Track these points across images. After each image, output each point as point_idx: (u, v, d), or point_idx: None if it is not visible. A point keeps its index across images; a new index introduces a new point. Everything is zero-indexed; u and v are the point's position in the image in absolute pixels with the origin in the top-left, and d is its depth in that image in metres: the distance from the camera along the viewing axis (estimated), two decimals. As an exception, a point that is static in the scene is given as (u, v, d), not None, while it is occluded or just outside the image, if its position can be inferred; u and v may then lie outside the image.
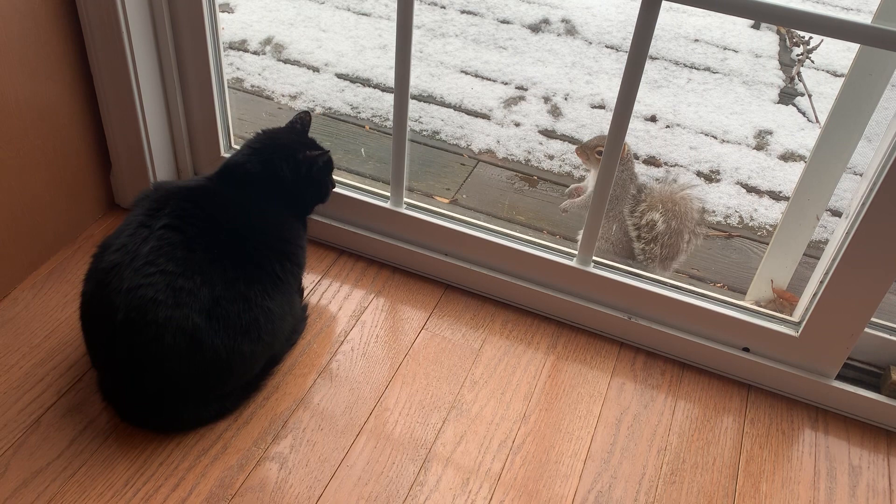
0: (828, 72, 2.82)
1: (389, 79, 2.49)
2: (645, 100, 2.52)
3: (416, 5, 2.96)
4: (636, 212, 1.77)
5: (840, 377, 1.49)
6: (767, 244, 1.69)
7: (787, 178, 2.24)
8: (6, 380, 1.42)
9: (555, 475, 1.36)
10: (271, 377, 1.46)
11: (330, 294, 1.65)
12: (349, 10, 2.89)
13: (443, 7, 2.97)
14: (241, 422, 1.39)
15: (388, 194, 1.66)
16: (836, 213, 2.12)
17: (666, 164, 2.27)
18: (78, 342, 1.47)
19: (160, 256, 1.24)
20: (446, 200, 2.06)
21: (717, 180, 2.22)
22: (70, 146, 1.63)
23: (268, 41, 2.65)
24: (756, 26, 3.03)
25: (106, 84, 1.60)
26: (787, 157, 2.34)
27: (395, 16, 1.41)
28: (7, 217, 1.53)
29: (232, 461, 1.33)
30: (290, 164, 1.41)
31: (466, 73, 2.60)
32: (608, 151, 1.41)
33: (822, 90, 2.69)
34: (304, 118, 1.50)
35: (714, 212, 2.10)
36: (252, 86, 2.43)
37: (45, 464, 1.30)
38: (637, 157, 2.24)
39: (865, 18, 1.18)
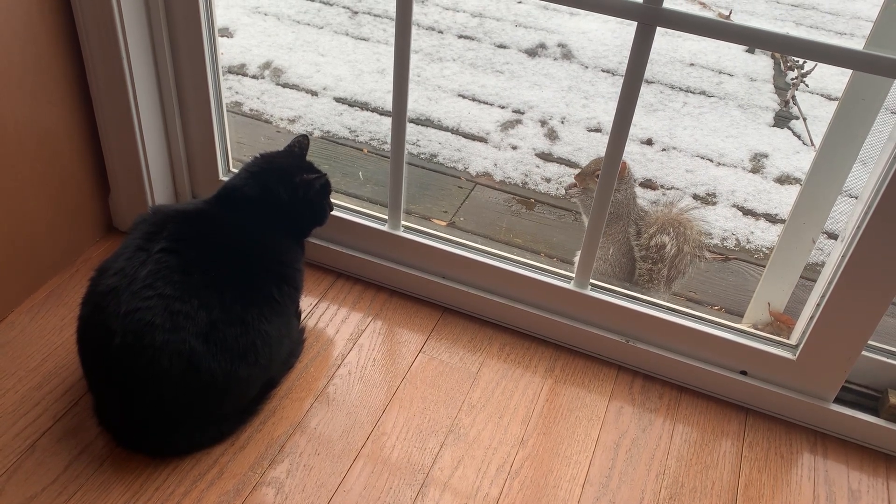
0: (822, 95, 2.84)
1: (387, 102, 2.51)
2: (641, 123, 2.54)
3: (414, 30, 2.99)
4: (643, 234, 1.77)
5: (838, 400, 1.49)
6: (764, 267, 1.70)
7: (783, 200, 2.25)
8: (2, 404, 1.41)
9: (553, 500, 1.35)
10: (268, 401, 1.45)
11: (327, 317, 1.65)
12: (348, 34, 2.92)
13: (440, 32, 3.00)
14: (238, 446, 1.38)
15: (386, 217, 1.66)
16: (833, 236, 2.13)
17: (662, 186, 2.28)
18: (75, 366, 1.47)
19: (157, 280, 1.24)
20: (444, 223, 2.07)
21: (714, 203, 2.23)
22: (69, 170, 1.64)
23: (267, 65, 2.67)
24: (751, 50, 3.06)
25: (105, 108, 1.61)
26: (783, 180, 2.35)
27: (392, 41, 1.43)
28: (4, 240, 1.53)
29: (228, 486, 1.32)
30: (287, 187, 1.41)
31: (464, 96, 2.61)
32: (604, 175, 1.42)
33: (817, 113, 2.71)
34: (302, 142, 1.50)
35: (711, 234, 2.10)
36: (251, 109, 2.45)
37: (41, 489, 1.29)
38: (634, 180, 2.25)
39: (858, 43, 1.19)
